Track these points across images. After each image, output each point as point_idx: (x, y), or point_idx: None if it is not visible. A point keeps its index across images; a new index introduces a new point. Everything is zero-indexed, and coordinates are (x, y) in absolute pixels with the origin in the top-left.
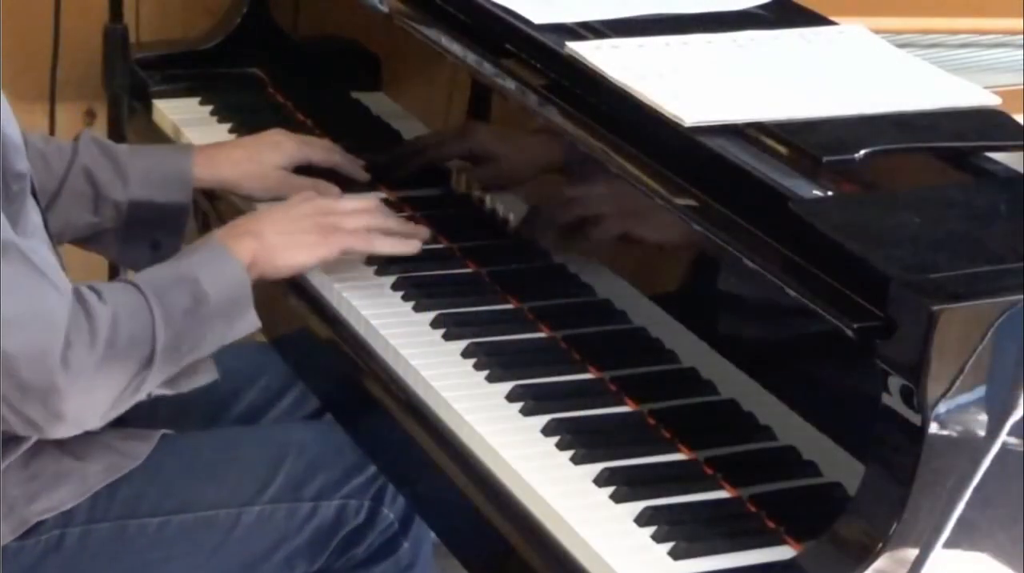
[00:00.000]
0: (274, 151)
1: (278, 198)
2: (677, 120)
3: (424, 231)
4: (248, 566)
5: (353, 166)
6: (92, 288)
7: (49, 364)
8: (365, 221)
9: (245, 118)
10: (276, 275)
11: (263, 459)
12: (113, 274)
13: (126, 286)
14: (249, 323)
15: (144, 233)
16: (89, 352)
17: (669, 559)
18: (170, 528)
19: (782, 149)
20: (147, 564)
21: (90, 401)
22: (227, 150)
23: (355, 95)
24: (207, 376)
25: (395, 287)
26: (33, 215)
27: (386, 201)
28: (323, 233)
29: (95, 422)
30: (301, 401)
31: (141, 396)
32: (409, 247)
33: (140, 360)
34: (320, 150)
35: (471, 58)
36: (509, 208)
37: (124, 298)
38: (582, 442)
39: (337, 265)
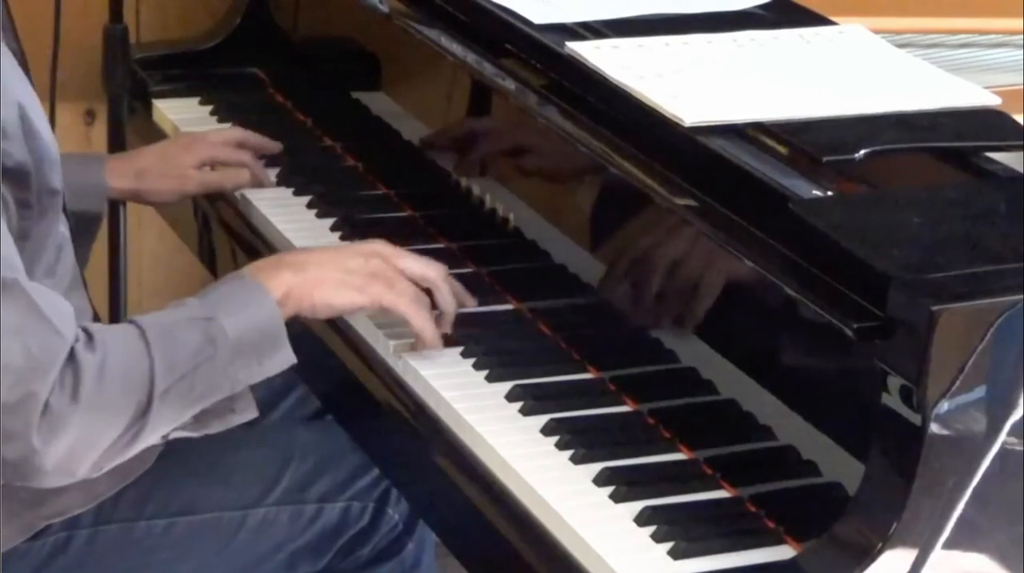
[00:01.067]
0: (183, 156)
1: (185, 195)
2: (677, 120)
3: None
4: (252, 567)
5: (262, 142)
6: (86, 331)
7: (29, 415)
8: (412, 295)
9: (245, 118)
10: (312, 313)
11: (268, 461)
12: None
13: (127, 328)
14: (282, 360)
15: None
16: (71, 404)
17: (669, 559)
18: (176, 530)
19: (782, 149)
20: (153, 565)
21: (74, 454)
22: (138, 157)
23: (355, 95)
24: (244, 415)
25: None
26: (62, 228)
27: (386, 199)
28: (370, 279)
29: (85, 472)
30: (302, 402)
31: (147, 442)
32: (436, 344)
33: (135, 409)
34: (224, 147)
35: (471, 58)
36: (509, 208)
37: (119, 343)
38: (582, 442)
39: None
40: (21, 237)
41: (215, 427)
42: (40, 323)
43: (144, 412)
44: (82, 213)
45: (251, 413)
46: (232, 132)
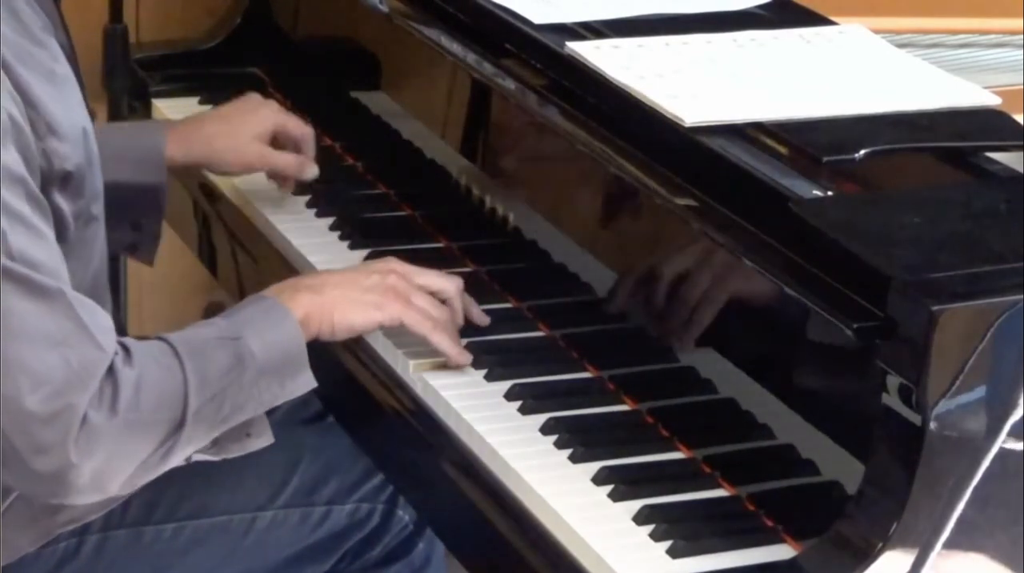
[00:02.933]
0: (250, 119)
1: (253, 171)
2: (677, 120)
3: (468, 358)
4: (261, 570)
5: (311, 150)
6: (123, 345)
7: (67, 427)
8: (434, 307)
9: None
10: (331, 335)
11: (277, 464)
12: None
13: (160, 345)
14: (304, 382)
15: (122, 214)
16: (109, 418)
17: (667, 558)
18: (185, 534)
19: (782, 149)
20: (163, 569)
21: (108, 469)
22: (200, 125)
23: (355, 95)
24: (261, 441)
25: None
26: (101, 232)
27: (386, 199)
28: (388, 296)
29: (115, 489)
30: (304, 403)
31: (174, 462)
32: (463, 359)
33: (168, 425)
34: (295, 120)
35: (471, 58)
36: (509, 208)
37: (154, 359)
38: (580, 441)
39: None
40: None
41: (233, 451)
42: (82, 335)
43: (177, 429)
44: (142, 185)
45: (267, 438)
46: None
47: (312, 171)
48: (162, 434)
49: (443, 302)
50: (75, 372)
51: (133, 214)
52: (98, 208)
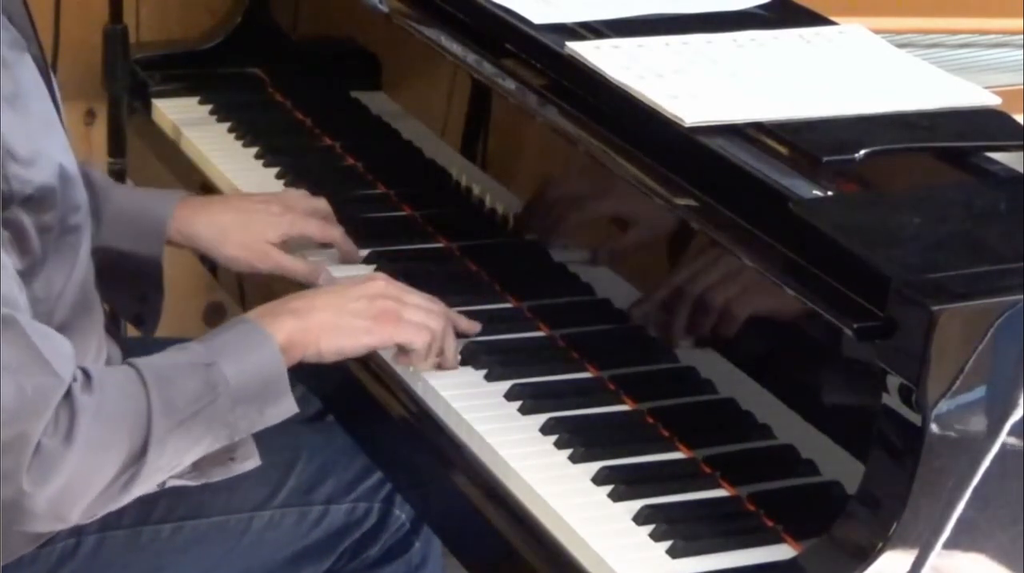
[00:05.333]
0: (267, 225)
1: (256, 271)
2: (677, 120)
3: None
4: (259, 569)
5: (349, 246)
6: (84, 372)
7: (19, 456)
8: (426, 320)
9: (245, 118)
10: (319, 359)
11: (274, 464)
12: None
13: (127, 371)
14: (284, 409)
15: (125, 284)
16: (64, 446)
17: (667, 558)
18: (183, 534)
19: (782, 149)
20: (160, 569)
21: (65, 497)
22: (215, 209)
23: (355, 95)
24: (246, 464)
25: None
26: (85, 241)
27: (386, 199)
28: (377, 318)
29: (75, 518)
30: (304, 402)
31: (140, 489)
32: (456, 365)
33: (128, 454)
34: (318, 227)
35: (471, 58)
36: (509, 208)
37: (117, 385)
38: (580, 441)
39: (337, 269)
40: (40, 260)
41: (216, 476)
42: (36, 363)
43: (139, 457)
44: (136, 255)
45: (253, 462)
46: (321, 203)
47: (325, 277)
48: (122, 462)
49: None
50: (29, 399)
51: (136, 285)
52: (77, 218)
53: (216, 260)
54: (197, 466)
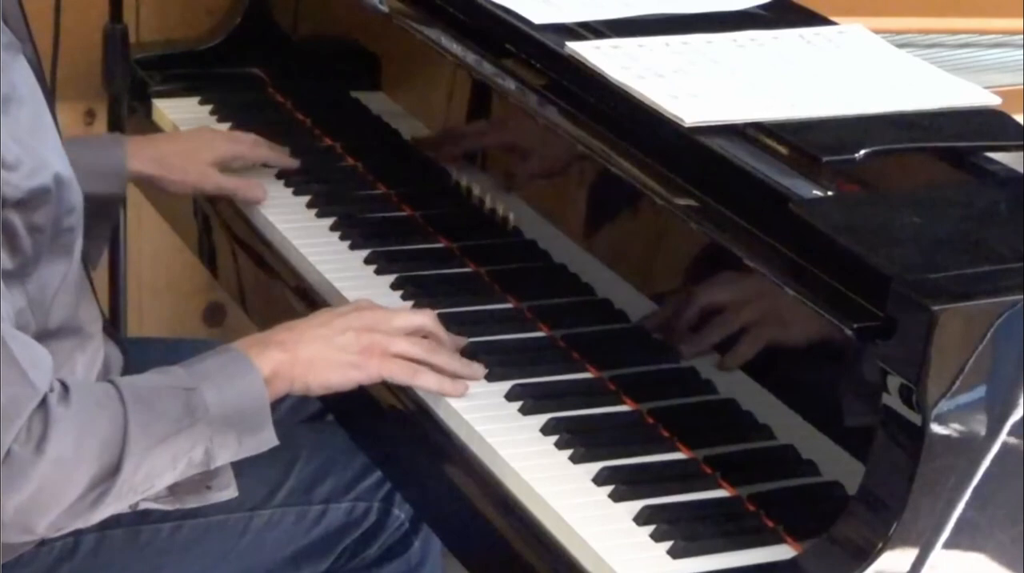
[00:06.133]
0: (205, 148)
1: (200, 192)
2: (677, 120)
3: (480, 369)
4: (257, 568)
5: (282, 157)
6: (63, 384)
7: None
8: (413, 350)
9: (245, 118)
10: (307, 393)
11: (273, 463)
12: None
13: (107, 387)
14: (264, 441)
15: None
16: (34, 456)
17: (668, 558)
18: (182, 533)
19: (782, 149)
20: (159, 569)
21: (31, 508)
22: (156, 142)
23: (355, 95)
24: (223, 494)
25: (394, 287)
26: (78, 241)
27: (386, 199)
28: (364, 354)
29: (43, 530)
30: (303, 402)
31: (110, 509)
32: (457, 389)
33: (100, 470)
34: (248, 146)
35: (471, 58)
36: (509, 208)
37: (95, 401)
38: (581, 441)
39: (337, 269)
40: (33, 260)
41: (190, 502)
42: (11, 372)
43: (111, 475)
44: (100, 195)
45: (230, 493)
46: (253, 136)
47: (257, 194)
48: (92, 477)
49: (425, 337)
50: (1, 408)
51: (88, 225)
52: (71, 220)
53: (164, 188)
54: (173, 491)
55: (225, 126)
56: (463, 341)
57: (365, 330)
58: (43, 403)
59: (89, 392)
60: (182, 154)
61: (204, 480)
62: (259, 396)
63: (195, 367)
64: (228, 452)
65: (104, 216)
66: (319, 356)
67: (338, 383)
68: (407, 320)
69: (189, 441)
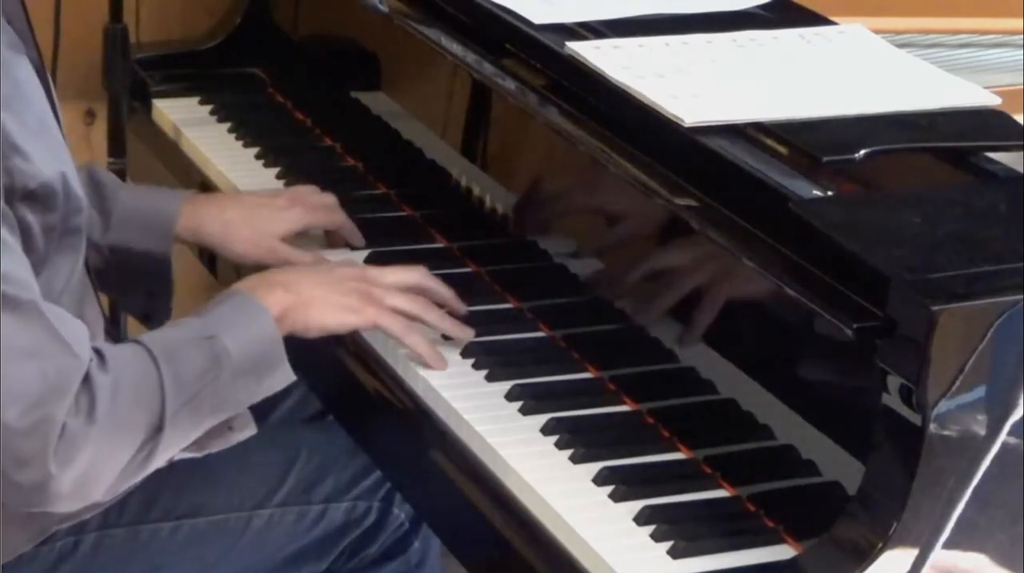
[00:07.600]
0: (273, 220)
1: (262, 267)
2: (677, 120)
3: (470, 331)
4: (257, 568)
5: (352, 232)
6: (97, 351)
7: (46, 439)
8: (408, 305)
9: (245, 118)
10: (305, 333)
11: (273, 463)
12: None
13: (135, 348)
14: (281, 378)
15: (134, 280)
16: (87, 426)
17: (668, 558)
18: (182, 533)
19: (782, 149)
20: (159, 568)
21: (89, 477)
22: (221, 205)
23: (355, 95)
24: (244, 433)
25: None
26: (82, 243)
27: (386, 199)
28: (362, 300)
29: (98, 495)
30: (304, 402)
31: (155, 465)
32: (439, 363)
33: (147, 429)
34: (324, 215)
35: (471, 58)
36: (509, 208)
37: (130, 363)
38: (581, 441)
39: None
40: (43, 259)
41: (215, 446)
42: (57, 346)
43: (157, 432)
44: (146, 253)
45: (250, 430)
46: (329, 198)
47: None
48: (141, 438)
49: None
50: (51, 383)
51: (145, 282)
52: (78, 220)
53: (223, 256)
54: (197, 440)
55: (225, 126)
56: (463, 308)
57: (364, 280)
58: (86, 373)
59: (122, 355)
60: (248, 221)
61: (225, 422)
62: (273, 336)
63: (208, 315)
64: (250, 394)
65: (158, 276)
66: (319, 297)
67: (335, 325)
68: (403, 276)
69: (219, 389)
